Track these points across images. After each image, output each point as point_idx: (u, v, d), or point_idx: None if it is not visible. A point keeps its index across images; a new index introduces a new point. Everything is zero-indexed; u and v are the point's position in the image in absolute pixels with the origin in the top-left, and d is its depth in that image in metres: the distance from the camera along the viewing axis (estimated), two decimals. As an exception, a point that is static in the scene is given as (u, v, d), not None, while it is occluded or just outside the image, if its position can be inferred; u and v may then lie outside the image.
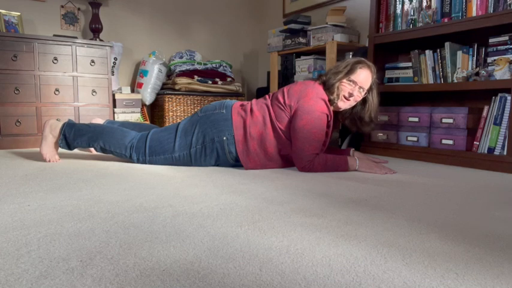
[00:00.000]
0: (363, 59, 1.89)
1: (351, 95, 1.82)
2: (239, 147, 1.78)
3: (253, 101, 1.90)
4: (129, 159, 1.90)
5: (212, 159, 1.84)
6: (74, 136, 1.87)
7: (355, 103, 1.87)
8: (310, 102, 1.76)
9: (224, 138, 1.78)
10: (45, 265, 0.72)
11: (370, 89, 1.87)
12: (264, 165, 1.85)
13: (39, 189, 1.36)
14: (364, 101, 1.90)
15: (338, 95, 1.82)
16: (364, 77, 1.81)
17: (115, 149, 1.86)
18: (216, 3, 3.94)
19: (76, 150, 2.46)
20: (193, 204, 1.18)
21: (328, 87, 1.82)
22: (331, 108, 1.86)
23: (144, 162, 1.89)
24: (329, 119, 1.82)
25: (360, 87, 1.82)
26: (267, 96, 1.91)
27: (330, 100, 1.82)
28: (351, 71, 1.82)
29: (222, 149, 1.80)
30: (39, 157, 2.13)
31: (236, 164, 1.86)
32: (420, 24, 2.31)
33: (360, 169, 1.82)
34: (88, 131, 1.88)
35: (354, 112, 1.93)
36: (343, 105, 1.85)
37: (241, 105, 1.87)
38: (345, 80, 1.81)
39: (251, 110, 1.82)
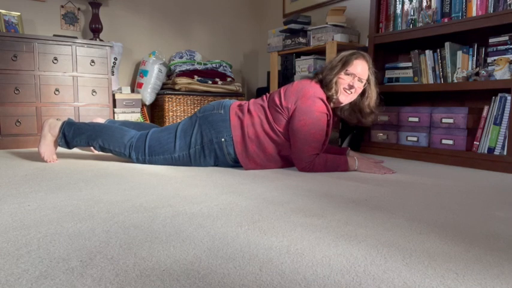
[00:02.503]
0: (356, 50, 1.86)
1: (351, 87, 1.78)
2: (238, 149, 1.78)
3: (251, 101, 1.89)
4: (128, 158, 1.90)
5: (211, 159, 1.84)
6: (73, 135, 1.87)
7: (356, 95, 1.84)
8: (308, 103, 1.74)
9: (222, 139, 1.77)
10: (45, 265, 0.72)
11: (368, 79, 1.84)
12: (264, 166, 1.84)
13: (39, 189, 1.36)
14: (362, 92, 1.86)
15: (337, 91, 1.78)
16: (361, 67, 1.79)
17: (114, 148, 1.86)
18: (216, 3, 3.94)
19: (76, 150, 2.46)
20: (193, 204, 1.18)
21: (326, 84, 1.79)
22: (331, 105, 1.83)
23: (143, 161, 1.89)
24: (328, 118, 1.80)
25: (359, 78, 1.79)
26: (264, 97, 1.89)
27: (328, 97, 1.80)
28: (346, 63, 1.78)
29: (220, 150, 1.80)
30: (39, 157, 2.13)
31: (235, 164, 1.86)
32: (420, 24, 2.31)
33: (359, 169, 1.81)
34: (87, 130, 1.87)
35: (352, 104, 1.89)
36: (345, 99, 1.81)
37: (239, 106, 1.86)
38: (342, 73, 1.78)
39: (248, 110, 1.81)
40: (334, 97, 1.80)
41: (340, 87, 1.79)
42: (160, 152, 1.84)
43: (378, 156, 2.44)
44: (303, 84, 1.81)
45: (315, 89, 1.77)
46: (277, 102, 1.79)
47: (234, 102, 1.88)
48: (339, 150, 2.05)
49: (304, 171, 1.79)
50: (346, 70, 1.78)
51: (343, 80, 1.78)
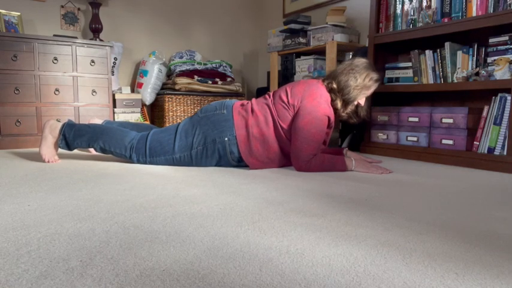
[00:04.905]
0: (374, 72, 1.88)
1: (359, 104, 1.91)
2: (241, 148, 1.78)
3: (253, 100, 1.90)
4: (129, 160, 1.90)
5: (213, 160, 1.84)
6: (73, 136, 1.87)
7: None
8: (314, 103, 1.77)
9: (226, 139, 1.78)
10: (45, 265, 0.72)
11: None
12: (266, 164, 1.86)
13: (39, 189, 1.36)
14: None
15: (351, 109, 1.89)
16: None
17: (115, 150, 1.86)
18: (216, 3, 3.94)
19: (76, 151, 2.46)
20: (193, 204, 1.18)
21: (346, 101, 1.85)
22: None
23: (144, 163, 1.89)
24: (330, 120, 1.83)
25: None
26: (266, 96, 1.91)
27: (333, 102, 1.85)
28: (367, 88, 1.85)
29: (223, 149, 1.80)
30: (39, 157, 2.13)
31: (238, 164, 1.86)
32: (420, 24, 2.31)
33: (356, 169, 1.82)
34: (88, 131, 1.88)
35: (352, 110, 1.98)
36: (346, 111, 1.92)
37: (242, 105, 1.87)
38: (362, 96, 1.88)
39: (252, 110, 1.82)
40: (344, 113, 1.89)
41: (353, 107, 1.91)
42: (161, 153, 1.84)
43: (378, 156, 2.44)
44: (310, 84, 1.84)
45: (321, 91, 1.81)
46: (284, 99, 1.81)
47: (236, 102, 1.88)
48: (337, 151, 2.06)
49: (301, 171, 1.80)
50: (366, 93, 1.88)
51: (360, 101, 1.90)
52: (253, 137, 1.78)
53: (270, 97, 1.88)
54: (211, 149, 1.81)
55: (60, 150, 2.42)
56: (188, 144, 1.82)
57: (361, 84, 1.83)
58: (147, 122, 3.00)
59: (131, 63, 3.53)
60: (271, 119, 1.81)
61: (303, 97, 1.78)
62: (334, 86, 1.84)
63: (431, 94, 2.54)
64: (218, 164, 1.88)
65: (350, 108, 1.88)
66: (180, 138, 1.83)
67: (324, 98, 1.80)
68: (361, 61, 1.88)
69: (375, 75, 1.86)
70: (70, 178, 1.57)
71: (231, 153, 1.80)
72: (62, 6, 3.12)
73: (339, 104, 1.85)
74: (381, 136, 2.52)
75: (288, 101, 1.80)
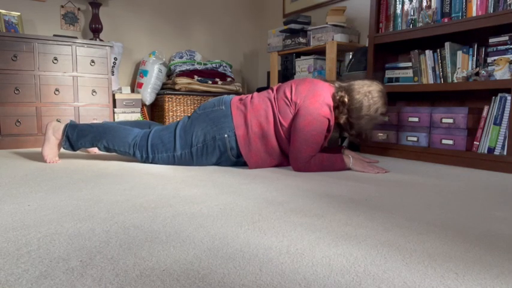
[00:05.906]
0: (385, 105, 1.84)
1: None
2: (241, 142, 1.78)
3: (255, 94, 1.89)
4: (133, 157, 1.91)
5: (214, 157, 1.85)
6: (77, 137, 1.88)
7: None
8: (316, 105, 1.75)
9: (226, 135, 1.78)
10: (45, 265, 0.72)
11: None
12: (265, 160, 1.85)
13: (39, 189, 1.36)
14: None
15: (357, 132, 1.87)
16: None
17: (119, 148, 1.87)
18: (216, 3, 3.94)
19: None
20: (193, 204, 1.18)
21: (351, 124, 1.83)
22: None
23: (147, 159, 1.89)
24: (330, 123, 1.82)
25: None
26: (269, 90, 1.89)
27: (338, 115, 1.83)
28: (375, 119, 1.83)
29: (223, 146, 1.80)
30: (39, 157, 2.13)
31: (237, 161, 1.86)
32: (420, 24, 2.31)
33: (353, 168, 1.83)
34: (91, 131, 1.88)
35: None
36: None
37: (240, 100, 1.87)
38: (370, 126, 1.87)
39: (251, 102, 1.82)
40: (350, 132, 1.88)
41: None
42: (163, 150, 1.85)
43: (377, 157, 2.44)
44: (315, 84, 1.82)
45: (325, 94, 1.79)
46: (288, 95, 1.80)
47: (235, 97, 1.89)
48: (334, 150, 2.05)
49: (300, 171, 1.79)
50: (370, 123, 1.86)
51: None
52: (253, 132, 1.78)
53: (273, 92, 1.87)
54: (211, 146, 1.81)
55: (61, 149, 2.42)
56: (188, 142, 1.82)
57: (372, 115, 1.80)
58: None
59: (131, 63, 3.53)
60: (272, 114, 1.79)
61: (306, 97, 1.77)
62: (346, 100, 1.79)
63: (431, 94, 2.54)
64: (218, 161, 1.88)
65: (355, 131, 1.86)
66: (179, 136, 1.83)
67: (327, 101, 1.78)
68: (379, 87, 1.83)
69: (384, 109, 1.84)
70: (70, 178, 1.57)
71: (231, 149, 1.81)
72: (62, 6, 3.12)
73: (342, 119, 1.82)
74: (381, 136, 2.52)
75: (291, 98, 1.79)
